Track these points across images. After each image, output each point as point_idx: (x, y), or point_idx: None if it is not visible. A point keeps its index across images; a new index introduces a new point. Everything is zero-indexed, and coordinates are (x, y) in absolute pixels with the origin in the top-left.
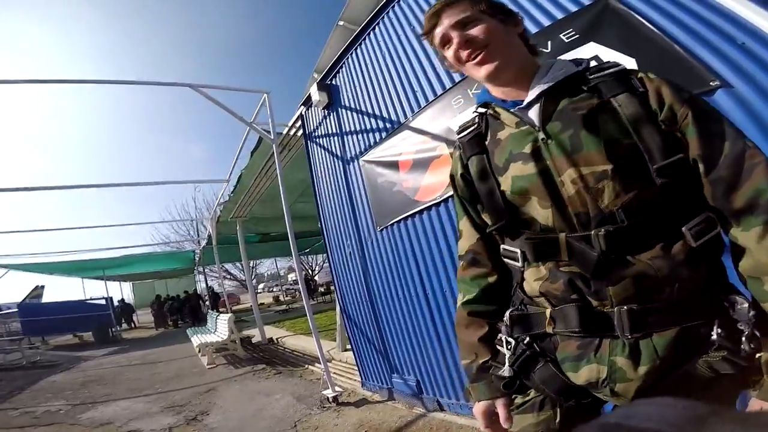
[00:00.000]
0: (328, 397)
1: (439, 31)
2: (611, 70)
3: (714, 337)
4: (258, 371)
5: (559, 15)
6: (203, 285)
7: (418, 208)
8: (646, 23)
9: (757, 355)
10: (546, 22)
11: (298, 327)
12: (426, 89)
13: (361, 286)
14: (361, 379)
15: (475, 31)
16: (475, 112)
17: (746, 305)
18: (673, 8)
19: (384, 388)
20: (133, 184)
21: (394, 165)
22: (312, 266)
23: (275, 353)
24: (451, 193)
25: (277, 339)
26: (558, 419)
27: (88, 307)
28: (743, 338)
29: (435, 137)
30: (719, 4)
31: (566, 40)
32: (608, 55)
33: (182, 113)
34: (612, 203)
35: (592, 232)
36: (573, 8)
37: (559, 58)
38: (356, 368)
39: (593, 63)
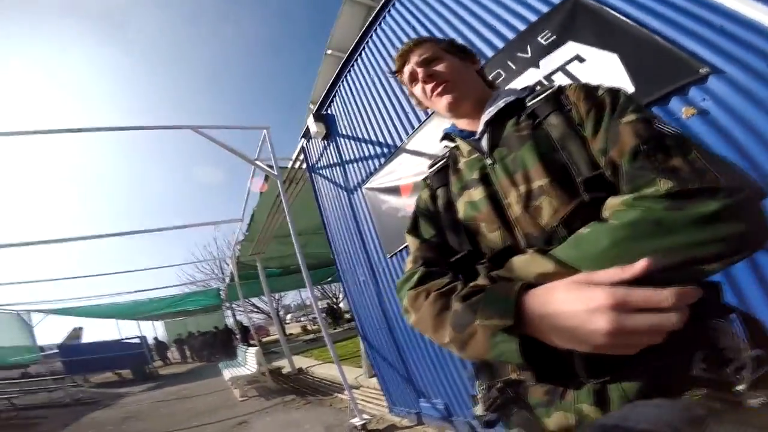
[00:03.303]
0: (356, 426)
1: (407, 69)
2: (546, 93)
3: (693, 372)
4: (288, 402)
5: (533, 17)
6: (231, 320)
7: None
8: (621, 17)
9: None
10: (521, 26)
11: (326, 356)
12: (417, 109)
13: (377, 313)
14: (389, 404)
15: (439, 67)
16: (443, 143)
17: (733, 329)
18: None
19: (412, 412)
20: (149, 231)
21: (395, 190)
22: (335, 294)
23: (304, 383)
24: None
25: (306, 369)
26: None
27: (123, 346)
28: (728, 370)
29: (432, 157)
30: None
31: (544, 43)
32: (589, 53)
33: (188, 154)
34: (551, 219)
35: None
36: (544, 8)
37: (507, 87)
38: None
39: (538, 88)
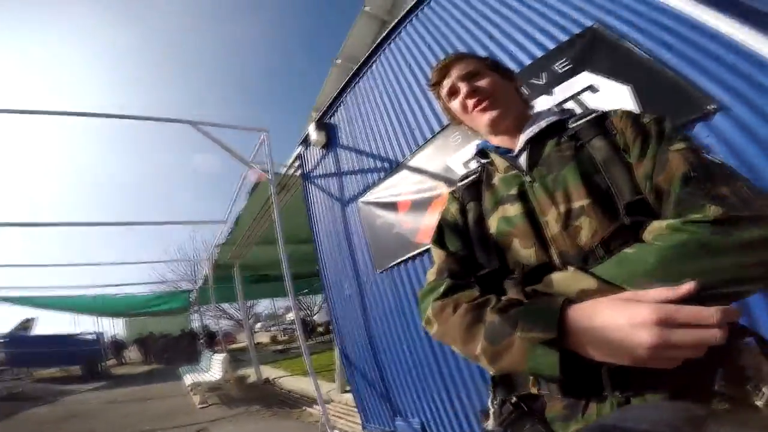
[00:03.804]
0: None
1: (447, 83)
2: (589, 117)
3: (715, 387)
4: (253, 412)
5: (551, 45)
6: (197, 323)
7: (419, 250)
8: (636, 49)
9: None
10: (538, 53)
11: (295, 367)
12: (423, 127)
13: (360, 328)
14: (362, 421)
15: (482, 82)
16: (476, 159)
17: (754, 349)
18: (659, 31)
19: (387, 430)
20: (128, 224)
21: (392, 206)
22: (311, 306)
23: (271, 394)
24: None
25: (273, 379)
26: None
27: (77, 341)
28: (748, 387)
29: (434, 176)
30: (701, 23)
31: (560, 71)
32: (603, 84)
33: (181, 151)
34: (590, 240)
35: None
36: (563, 37)
37: (549, 107)
38: (356, 410)
39: (578, 111)
